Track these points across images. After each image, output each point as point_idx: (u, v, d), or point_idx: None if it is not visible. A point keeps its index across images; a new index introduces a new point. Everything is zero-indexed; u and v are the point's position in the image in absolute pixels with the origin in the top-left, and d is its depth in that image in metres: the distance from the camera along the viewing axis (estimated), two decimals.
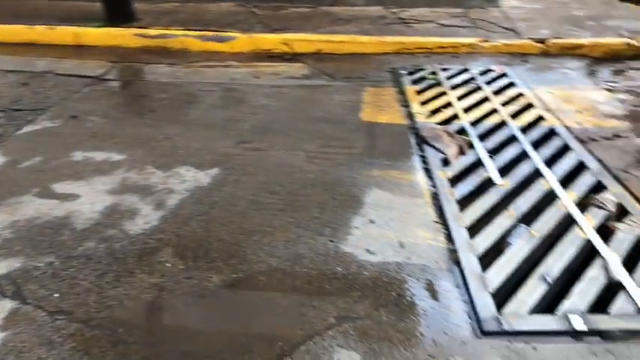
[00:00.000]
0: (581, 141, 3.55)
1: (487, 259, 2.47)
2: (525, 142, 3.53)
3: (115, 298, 2.21)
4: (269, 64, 5.35)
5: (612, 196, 2.90)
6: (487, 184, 3.08)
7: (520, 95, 4.34)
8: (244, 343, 1.98)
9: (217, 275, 2.34)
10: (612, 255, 2.44)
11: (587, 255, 2.50)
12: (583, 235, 2.60)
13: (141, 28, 5.96)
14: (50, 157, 3.42)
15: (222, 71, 5.16)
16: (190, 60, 5.48)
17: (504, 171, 3.22)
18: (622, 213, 2.79)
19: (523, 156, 3.38)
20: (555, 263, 2.42)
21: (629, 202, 2.85)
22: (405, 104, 4.24)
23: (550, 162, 3.30)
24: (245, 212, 2.83)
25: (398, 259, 2.45)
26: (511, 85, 4.58)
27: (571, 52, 5.28)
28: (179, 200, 2.93)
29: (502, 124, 3.84)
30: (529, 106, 4.13)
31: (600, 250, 2.48)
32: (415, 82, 4.71)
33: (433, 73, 4.88)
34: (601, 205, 2.82)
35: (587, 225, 2.66)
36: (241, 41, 5.68)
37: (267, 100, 4.40)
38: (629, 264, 2.41)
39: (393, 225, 2.70)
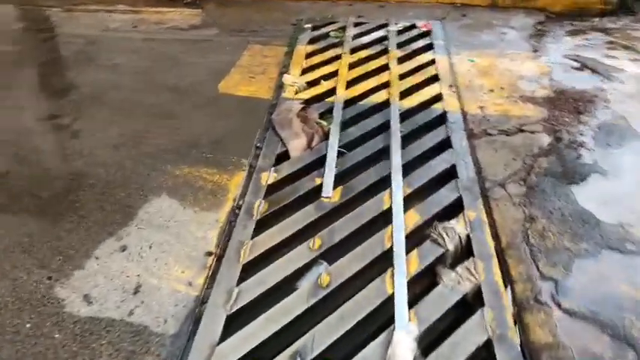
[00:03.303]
0: (472, 135, 2.72)
1: (243, 317, 1.81)
2: (397, 133, 2.72)
3: None
4: (161, 9, 4.51)
5: (464, 224, 2.14)
6: (311, 197, 2.34)
7: (430, 63, 3.45)
8: None
9: None
10: (408, 329, 1.73)
11: (379, 323, 1.80)
12: (390, 288, 1.88)
13: None
14: None
15: (100, 18, 4.37)
16: (77, 2, 4.69)
17: (345, 177, 2.46)
18: (464, 253, 2.05)
19: (382, 154, 2.60)
20: (328, 333, 1.74)
21: (481, 238, 2.08)
22: (285, 70, 3.42)
23: (412, 165, 2.52)
24: None
25: (116, 313, 1.81)
26: (428, 47, 3.66)
27: (526, 4, 4.24)
28: None
29: (384, 105, 3.00)
30: (432, 80, 3.25)
31: (396, 318, 1.77)
32: (313, 40, 3.83)
33: (342, 28, 3.98)
34: (439, 239, 2.07)
35: (403, 270, 1.93)
36: None
37: (125, 59, 3.65)
38: (428, 340, 1.71)
39: (148, 255, 2.04)
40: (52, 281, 1.93)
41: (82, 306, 1.83)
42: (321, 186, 2.38)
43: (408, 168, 2.48)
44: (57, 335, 1.73)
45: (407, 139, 2.70)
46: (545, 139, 2.64)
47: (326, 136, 2.74)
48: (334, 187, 2.37)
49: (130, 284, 1.92)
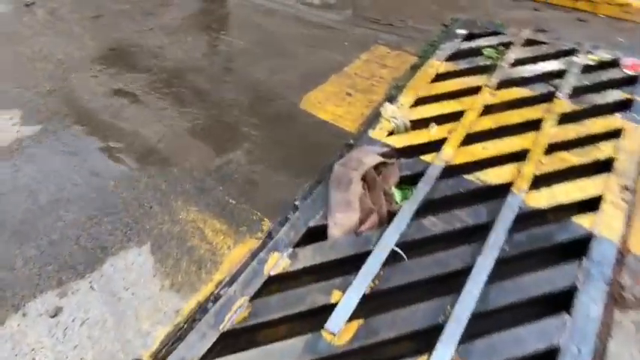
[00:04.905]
0: (617, 298, 1.62)
1: None
2: (494, 250, 1.75)
3: None
4: None
5: None
6: (312, 320, 1.60)
7: (611, 135, 2.24)
8: None
9: None
10: None
11: None
12: None
13: None
14: None
15: None
16: None
17: (377, 301, 1.65)
18: None
19: (454, 280, 1.68)
20: None
21: None
22: (395, 94, 2.57)
23: (489, 321, 1.57)
24: None
25: None
26: (621, 105, 2.40)
27: None
28: None
29: (500, 191, 2.00)
30: (599, 167, 2.09)
31: None
32: (457, 56, 2.83)
33: (505, 45, 2.87)
34: None
35: None
36: None
37: (229, 34, 3.18)
38: None
39: (72, 337, 1.58)
40: None
41: None
42: (334, 307, 1.62)
43: (479, 325, 1.56)
44: None
45: (505, 267, 1.73)
46: None
47: (389, 219, 1.91)
48: (351, 319, 1.59)
49: None
